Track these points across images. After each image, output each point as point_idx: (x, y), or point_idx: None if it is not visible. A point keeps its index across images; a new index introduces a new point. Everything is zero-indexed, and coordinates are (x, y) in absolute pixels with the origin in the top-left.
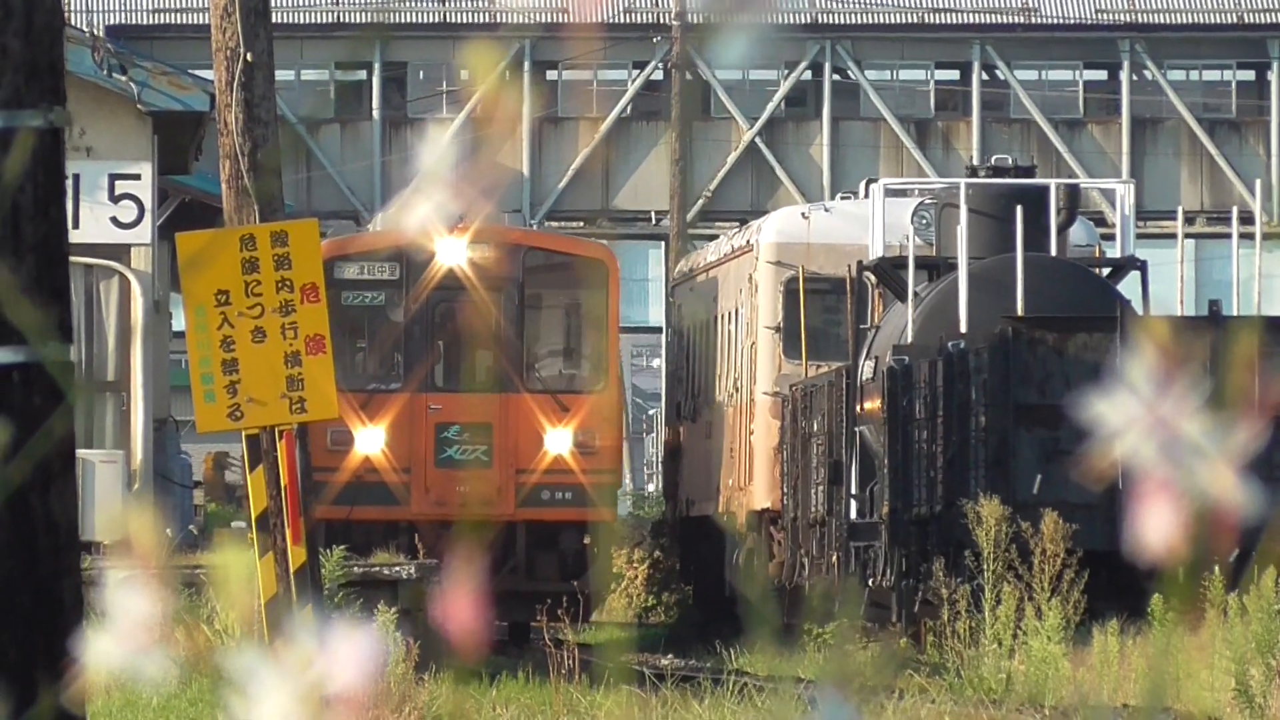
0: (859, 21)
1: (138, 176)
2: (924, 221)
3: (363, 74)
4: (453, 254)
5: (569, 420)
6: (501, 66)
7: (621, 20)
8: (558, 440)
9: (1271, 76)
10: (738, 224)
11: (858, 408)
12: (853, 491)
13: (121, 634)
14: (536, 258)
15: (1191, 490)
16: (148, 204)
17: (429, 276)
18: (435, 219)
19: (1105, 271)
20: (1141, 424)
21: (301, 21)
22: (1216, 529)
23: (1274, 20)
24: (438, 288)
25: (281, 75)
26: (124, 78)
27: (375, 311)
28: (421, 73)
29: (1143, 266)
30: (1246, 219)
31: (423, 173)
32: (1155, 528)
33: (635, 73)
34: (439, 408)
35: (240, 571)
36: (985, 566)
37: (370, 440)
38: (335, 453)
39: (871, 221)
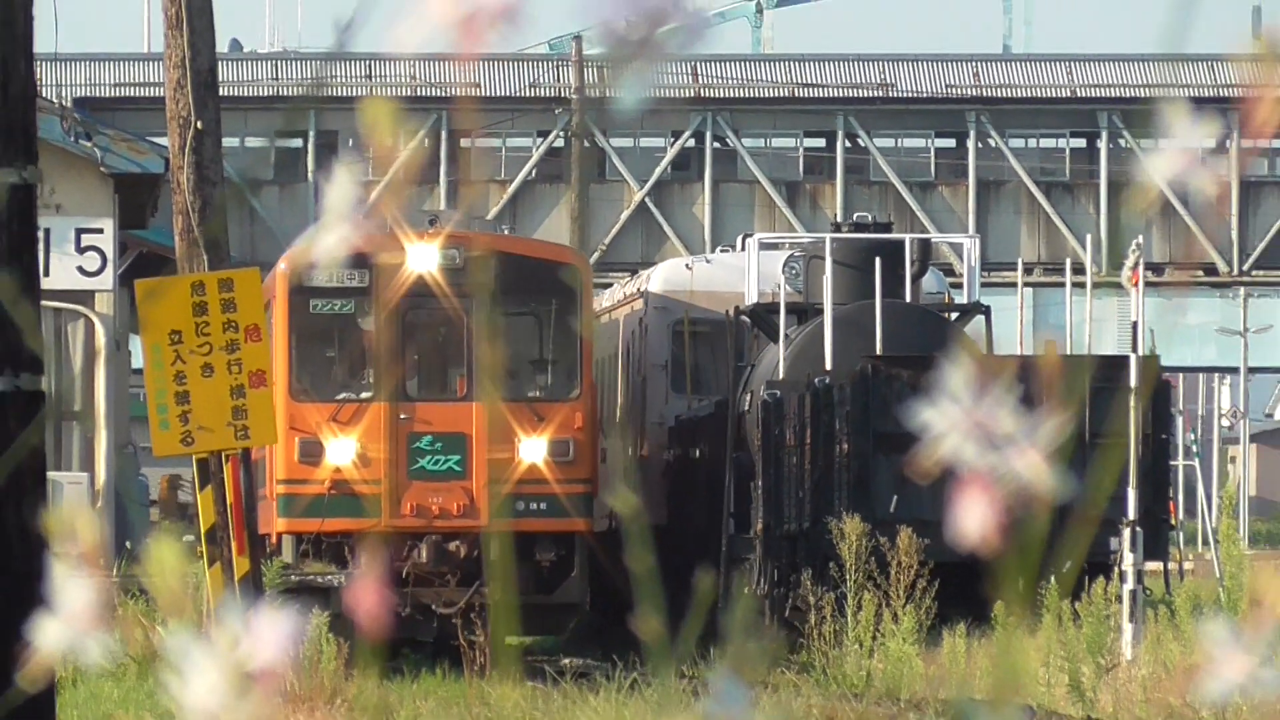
0: (737, 95)
1: (101, 230)
2: (794, 272)
3: (299, 141)
4: (422, 260)
5: (543, 429)
6: (424, 132)
7: (527, 94)
8: (532, 449)
9: (1100, 144)
10: (629, 274)
11: (736, 436)
12: (731, 510)
13: (77, 621)
14: (508, 262)
15: (1004, 480)
16: (110, 255)
17: (398, 283)
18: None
19: (954, 316)
20: (964, 427)
21: (246, 95)
22: (1028, 514)
23: (1103, 95)
24: (407, 294)
25: (228, 141)
26: (89, 144)
27: (344, 319)
28: (350, 140)
29: (987, 311)
30: (1079, 269)
31: (326, 209)
32: (970, 515)
33: (539, 140)
34: (410, 417)
35: (172, 561)
36: (848, 577)
37: (340, 451)
38: (305, 464)
39: (747, 271)
